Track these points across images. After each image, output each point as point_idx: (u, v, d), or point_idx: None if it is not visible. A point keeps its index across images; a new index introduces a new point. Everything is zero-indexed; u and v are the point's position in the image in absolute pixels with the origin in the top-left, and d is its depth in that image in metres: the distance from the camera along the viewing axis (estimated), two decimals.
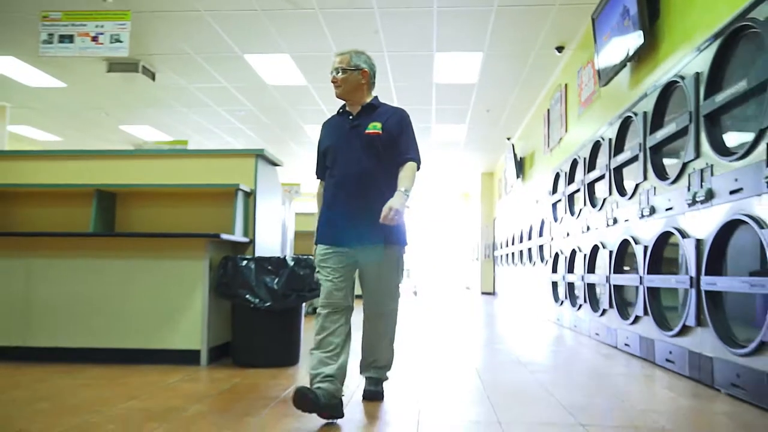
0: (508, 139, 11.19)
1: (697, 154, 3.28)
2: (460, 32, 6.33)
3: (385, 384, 2.88)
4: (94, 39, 5.15)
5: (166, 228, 4.07)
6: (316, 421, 2.37)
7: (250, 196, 4.16)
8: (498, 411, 2.59)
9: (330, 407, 2.35)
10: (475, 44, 6.69)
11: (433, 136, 10.99)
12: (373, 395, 2.77)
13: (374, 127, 2.67)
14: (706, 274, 3.14)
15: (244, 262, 3.65)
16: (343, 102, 2.82)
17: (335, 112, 2.87)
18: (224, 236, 3.66)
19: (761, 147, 2.66)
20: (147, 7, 5.73)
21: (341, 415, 2.40)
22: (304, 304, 3.93)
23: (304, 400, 2.27)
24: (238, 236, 3.94)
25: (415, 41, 6.57)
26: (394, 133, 2.69)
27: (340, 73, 2.70)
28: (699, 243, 3.24)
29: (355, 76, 2.71)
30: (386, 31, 6.31)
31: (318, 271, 2.64)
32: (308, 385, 2.38)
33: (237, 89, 8.22)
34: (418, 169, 2.71)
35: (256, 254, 4.15)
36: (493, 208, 14.78)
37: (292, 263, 3.68)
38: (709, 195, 3.13)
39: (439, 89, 8.30)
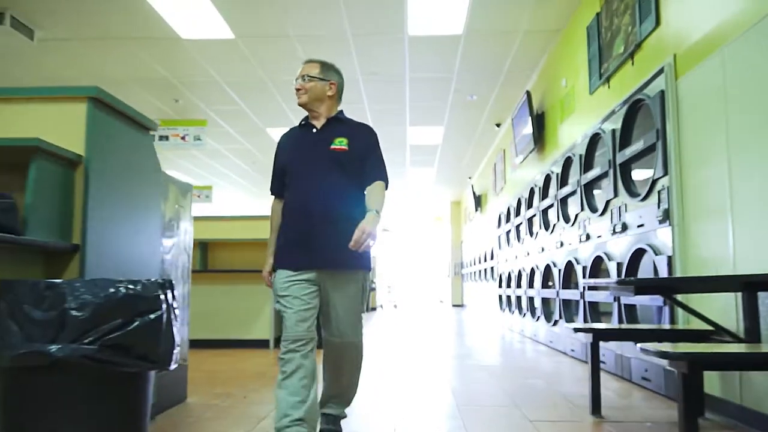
0: (470, 178, 13.69)
1: (615, 194, 5.71)
2: (427, 112, 8.76)
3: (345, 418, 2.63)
4: (183, 138, 7.65)
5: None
6: None
7: (75, 167, 2.24)
8: (456, 396, 4.90)
9: None
10: (438, 120, 9.14)
11: (408, 176, 13.46)
12: None
13: (340, 143, 2.50)
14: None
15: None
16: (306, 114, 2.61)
17: (297, 125, 2.64)
18: None
19: (654, 193, 3.60)
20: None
21: None
22: None
23: None
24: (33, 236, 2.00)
25: (393, 117, 8.99)
26: (362, 151, 2.52)
27: (306, 81, 2.53)
28: (619, 265, 4.11)
29: (322, 86, 2.54)
30: (372, 104, 8.74)
31: (278, 301, 2.37)
32: None
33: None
34: (386, 188, 2.55)
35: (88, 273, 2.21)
36: (460, 232, 17.24)
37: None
38: (624, 227, 4.06)
39: (412, 148, 10.80)
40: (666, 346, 2.08)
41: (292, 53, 6.50)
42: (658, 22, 3.70)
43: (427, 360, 5.13)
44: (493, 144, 10.42)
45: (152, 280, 1.79)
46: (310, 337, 2.29)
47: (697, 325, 2.97)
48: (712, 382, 2.98)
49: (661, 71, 3.54)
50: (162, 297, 1.79)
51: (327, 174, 2.46)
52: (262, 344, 6.08)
